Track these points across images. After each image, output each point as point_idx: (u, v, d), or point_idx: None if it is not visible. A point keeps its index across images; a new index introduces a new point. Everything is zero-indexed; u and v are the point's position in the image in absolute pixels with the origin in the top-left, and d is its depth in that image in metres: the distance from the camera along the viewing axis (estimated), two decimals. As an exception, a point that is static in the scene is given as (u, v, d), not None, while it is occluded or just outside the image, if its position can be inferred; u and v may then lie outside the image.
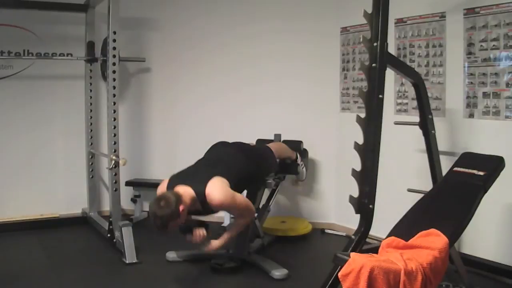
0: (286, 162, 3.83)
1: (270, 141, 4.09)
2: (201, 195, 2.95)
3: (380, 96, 2.63)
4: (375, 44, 2.62)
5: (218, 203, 2.95)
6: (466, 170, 2.65)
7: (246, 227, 3.56)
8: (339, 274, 2.14)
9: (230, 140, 3.57)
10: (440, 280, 2.28)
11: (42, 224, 4.41)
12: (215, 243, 3.13)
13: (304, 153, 4.18)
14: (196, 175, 3.07)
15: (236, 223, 3.21)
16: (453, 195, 2.58)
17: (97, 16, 4.47)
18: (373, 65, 2.64)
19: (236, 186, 3.05)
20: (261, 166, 3.44)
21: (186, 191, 2.95)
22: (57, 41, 4.52)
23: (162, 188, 3.10)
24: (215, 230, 4.31)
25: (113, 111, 3.71)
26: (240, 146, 3.46)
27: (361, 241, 2.60)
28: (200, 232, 3.04)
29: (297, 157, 3.94)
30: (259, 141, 4.08)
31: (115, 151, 3.70)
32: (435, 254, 2.20)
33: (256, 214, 3.64)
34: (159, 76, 4.86)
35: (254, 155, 3.45)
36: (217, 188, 2.95)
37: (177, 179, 3.09)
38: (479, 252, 3.26)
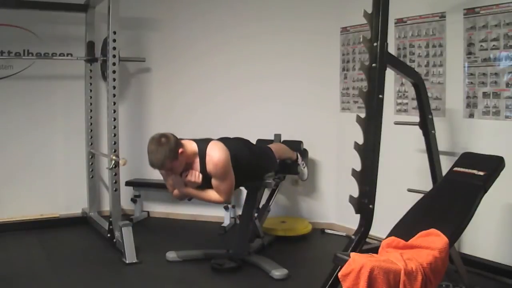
0: (286, 162, 3.83)
1: (270, 141, 4.09)
2: (202, 150, 3.06)
3: (380, 96, 2.63)
4: (375, 44, 2.62)
5: (216, 161, 3.00)
6: (466, 170, 2.65)
7: (247, 227, 3.57)
8: (339, 274, 2.14)
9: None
10: (440, 280, 2.28)
11: (42, 224, 4.41)
12: (182, 190, 3.13)
13: (304, 153, 4.17)
14: (201, 139, 3.21)
15: (207, 193, 3.13)
16: (453, 195, 2.58)
17: (97, 16, 4.47)
18: (373, 65, 2.64)
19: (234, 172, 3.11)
20: (261, 162, 3.44)
21: (189, 143, 3.09)
22: (57, 41, 4.53)
23: None
24: (215, 229, 4.34)
25: (113, 111, 3.71)
26: (242, 139, 3.48)
27: (361, 241, 2.60)
28: (197, 173, 3.06)
29: (297, 157, 3.94)
30: (259, 141, 4.08)
31: (115, 151, 3.70)
32: (435, 254, 2.20)
33: (256, 215, 3.64)
34: (159, 76, 4.86)
35: (255, 150, 3.48)
36: (218, 148, 3.06)
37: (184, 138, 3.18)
38: (479, 252, 3.26)
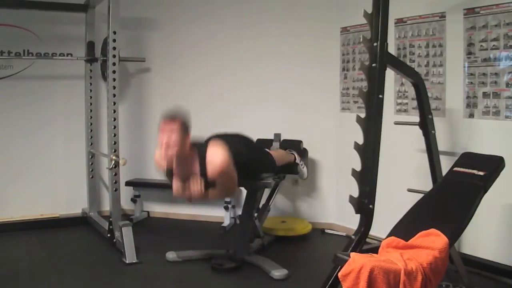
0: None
1: (270, 140, 4.10)
2: (202, 152, 2.99)
3: (380, 96, 2.63)
4: (375, 44, 2.62)
5: (217, 164, 2.91)
6: (466, 170, 2.65)
7: (247, 227, 3.57)
8: (339, 274, 2.14)
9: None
10: (440, 280, 2.28)
11: (42, 224, 4.41)
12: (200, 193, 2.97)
13: (304, 152, 4.17)
14: (200, 142, 3.13)
15: (213, 194, 3.06)
16: (453, 195, 2.58)
17: (97, 16, 4.47)
18: (373, 65, 2.64)
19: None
20: (260, 159, 3.43)
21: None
22: (57, 41, 4.53)
23: None
24: (215, 229, 4.34)
25: (113, 111, 3.72)
26: (241, 136, 3.46)
27: (361, 241, 2.60)
28: (197, 184, 2.93)
29: (295, 158, 3.95)
30: (258, 141, 4.08)
31: (115, 151, 3.70)
32: (435, 254, 2.20)
33: (256, 215, 3.64)
34: (159, 76, 4.86)
35: (255, 147, 3.50)
36: (217, 151, 2.97)
37: None
38: (479, 252, 3.26)
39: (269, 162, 3.53)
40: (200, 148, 3.03)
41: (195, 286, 3.21)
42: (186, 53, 4.74)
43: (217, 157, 2.95)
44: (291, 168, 3.93)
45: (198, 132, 4.70)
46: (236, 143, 3.22)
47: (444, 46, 3.48)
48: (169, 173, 3.08)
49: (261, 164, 3.47)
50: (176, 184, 3.04)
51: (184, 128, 2.98)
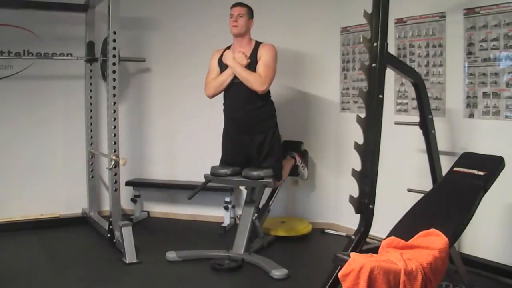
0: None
1: (299, 143, 4.17)
2: (257, 43, 3.62)
3: (380, 96, 2.63)
4: (375, 44, 2.62)
5: (270, 45, 3.59)
6: (466, 170, 2.65)
7: (247, 227, 3.57)
8: (339, 274, 2.14)
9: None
10: (440, 280, 2.28)
11: (42, 224, 4.41)
12: (230, 62, 3.55)
13: (304, 153, 4.18)
14: None
15: (249, 72, 3.48)
16: (453, 195, 2.58)
17: (97, 16, 4.47)
18: (373, 65, 2.64)
19: None
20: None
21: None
22: (57, 41, 4.52)
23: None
24: (215, 229, 4.34)
25: (113, 111, 3.71)
26: None
27: (361, 241, 2.60)
28: (246, 56, 3.53)
29: (295, 160, 3.95)
30: (285, 142, 4.10)
31: (115, 151, 3.70)
32: (435, 254, 2.20)
33: (256, 215, 3.64)
34: (159, 76, 4.86)
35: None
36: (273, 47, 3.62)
37: None
38: (479, 252, 3.26)
39: (279, 160, 3.64)
40: (257, 43, 3.62)
41: (195, 286, 3.21)
42: (186, 53, 4.74)
43: (270, 45, 3.59)
44: (291, 169, 3.94)
45: (198, 132, 4.72)
46: None
47: (444, 46, 3.48)
48: (220, 64, 3.62)
49: (274, 144, 3.64)
50: (227, 52, 3.61)
51: (250, 13, 3.61)
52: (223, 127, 3.76)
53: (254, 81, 3.44)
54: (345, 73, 4.31)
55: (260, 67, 3.48)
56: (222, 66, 3.59)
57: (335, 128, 4.41)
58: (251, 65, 3.50)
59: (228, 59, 3.53)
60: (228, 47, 3.66)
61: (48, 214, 4.53)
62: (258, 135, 3.53)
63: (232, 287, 3.23)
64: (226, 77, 3.55)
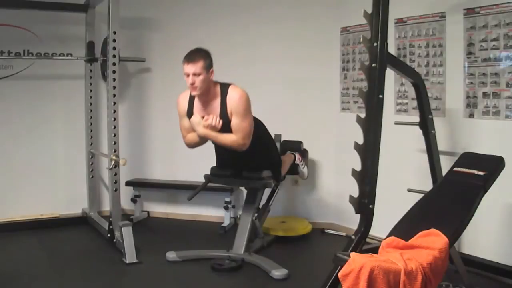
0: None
1: (299, 142, 4.13)
2: (224, 92, 3.25)
3: (380, 96, 2.63)
4: (375, 44, 2.62)
5: (239, 96, 3.21)
6: (466, 170, 2.65)
7: (246, 227, 3.56)
8: (339, 274, 2.14)
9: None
10: (440, 280, 2.28)
11: (42, 224, 4.40)
12: (200, 131, 3.24)
13: (304, 153, 4.18)
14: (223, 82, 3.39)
15: (224, 136, 3.23)
16: (453, 195, 2.58)
17: (97, 16, 4.47)
18: (373, 65, 2.64)
19: None
20: (272, 142, 3.69)
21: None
22: (57, 41, 4.52)
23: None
24: (215, 229, 4.34)
25: (113, 111, 3.71)
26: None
27: (361, 241, 2.60)
28: (217, 118, 3.19)
29: (295, 158, 3.95)
30: (284, 142, 4.10)
31: (115, 151, 3.70)
32: (435, 254, 2.20)
33: (256, 215, 3.64)
34: (159, 76, 4.86)
35: (274, 143, 3.74)
36: (240, 88, 3.28)
37: None
38: (479, 252, 3.26)
39: (277, 153, 3.61)
40: (223, 88, 3.27)
41: (195, 286, 3.21)
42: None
43: (239, 91, 3.24)
44: (291, 168, 3.94)
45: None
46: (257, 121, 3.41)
47: (444, 46, 3.48)
48: (189, 111, 3.32)
49: (274, 146, 3.62)
50: (195, 117, 3.26)
51: (207, 63, 3.21)
52: None
53: (233, 145, 3.23)
54: (345, 73, 4.31)
55: (234, 125, 3.20)
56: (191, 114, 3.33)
57: (335, 128, 4.41)
58: (225, 126, 3.21)
59: (198, 129, 3.23)
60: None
61: (48, 214, 4.53)
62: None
63: (232, 287, 3.23)
64: (201, 140, 3.33)
